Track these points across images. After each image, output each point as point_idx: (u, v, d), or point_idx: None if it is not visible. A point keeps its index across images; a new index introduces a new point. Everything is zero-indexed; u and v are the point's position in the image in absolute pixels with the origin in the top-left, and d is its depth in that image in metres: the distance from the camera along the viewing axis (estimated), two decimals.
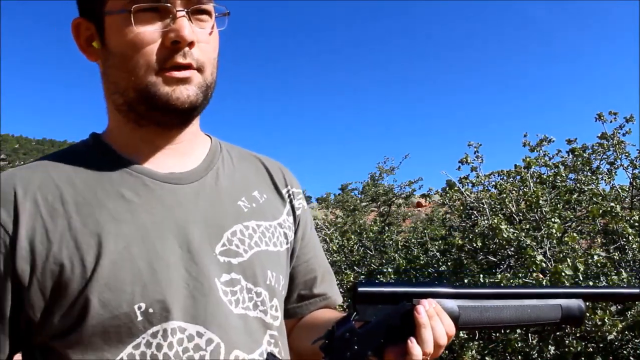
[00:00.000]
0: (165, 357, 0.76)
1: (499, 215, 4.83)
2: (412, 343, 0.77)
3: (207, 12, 0.85)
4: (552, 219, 4.05)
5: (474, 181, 5.56)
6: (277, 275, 0.91)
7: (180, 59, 0.80)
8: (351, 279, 5.90)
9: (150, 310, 0.77)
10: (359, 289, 0.79)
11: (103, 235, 0.78)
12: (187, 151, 0.92)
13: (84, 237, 0.77)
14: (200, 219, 0.86)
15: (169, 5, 0.79)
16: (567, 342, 3.48)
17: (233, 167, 0.97)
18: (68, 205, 0.79)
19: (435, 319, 0.78)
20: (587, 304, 0.89)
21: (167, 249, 0.81)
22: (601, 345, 3.60)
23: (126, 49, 0.80)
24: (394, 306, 0.80)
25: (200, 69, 0.83)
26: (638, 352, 3.69)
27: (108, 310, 0.75)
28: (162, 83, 0.81)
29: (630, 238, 3.95)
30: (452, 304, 0.83)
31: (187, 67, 0.82)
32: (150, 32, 0.80)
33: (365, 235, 7.16)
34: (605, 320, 3.24)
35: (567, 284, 3.36)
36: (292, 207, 1.02)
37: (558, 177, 5.04)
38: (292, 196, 1.02)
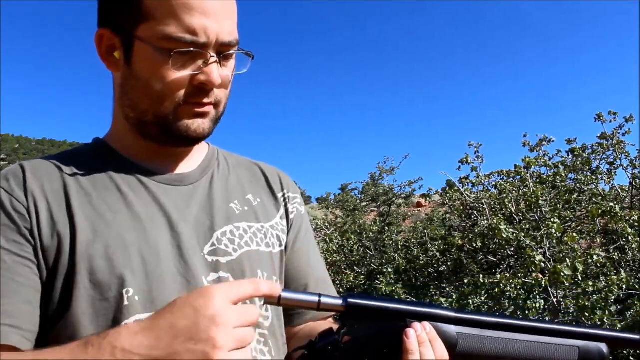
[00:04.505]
0: None
1: (499, 215, 4.84)
2: None
3: (232, 54, 0.87)
4: (552, 219, 4.05)
5: (474, 181, 5.56)
6: (269, 275, 0.92)
7: (205, 99, 0.85)
8: (351, 279, 5.91)
9: (136, 297, 0.79)
10: (349, 300, 0.71)
11: (99, 222, 0.81)
12: (185, 156, 0.95)
13: (81, 222, 0.80)
14: (191, 219, 0.88)
15: (206, 52, 0.82)
16: None
17: (228, 172, 1.00)
18: (70, 194, 0.83)
19: (426, 346, 0.71)
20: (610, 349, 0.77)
21: (159, 243, 0.83)
22: None
23: (155, 81, 0.83)
24: (385, 324, 0.72)
25: (217, 104, 0.88)
26: (638, 352, 3.69)
27: (99, 292, 0.77)
28: (183, 115, 0.85)
29: (630, 238, 3.96)
30: (451, 329, 0.74)
31: (208, 104, 0.86)
32: (182, 73, 0.83)
33: (365, 235, 7.16)
34: (605, 320, 3.24)
35: (567, 284, 3.36)
36: (287, 210, 1.03)
37: (558, 177, 5.05)
38: (287, 200, 1.04)
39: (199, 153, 0.98)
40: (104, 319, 0.78)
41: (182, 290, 0.82)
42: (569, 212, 4.95)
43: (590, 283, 3.40)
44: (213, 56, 0.82)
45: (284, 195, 1.04)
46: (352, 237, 6.92)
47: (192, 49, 0.81)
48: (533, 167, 5.20)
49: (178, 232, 0.85)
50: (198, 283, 0.83)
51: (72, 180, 0.85)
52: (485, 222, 4.85)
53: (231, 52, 0.85)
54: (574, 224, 5.03)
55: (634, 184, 5.17)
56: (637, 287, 3.79)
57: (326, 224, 8.56)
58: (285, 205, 1.03)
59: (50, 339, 0.79)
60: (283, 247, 0.99)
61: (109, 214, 0.82)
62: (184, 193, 0.90)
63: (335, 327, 0.76)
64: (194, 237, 0.86)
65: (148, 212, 0.85)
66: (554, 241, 4.13)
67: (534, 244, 4.07)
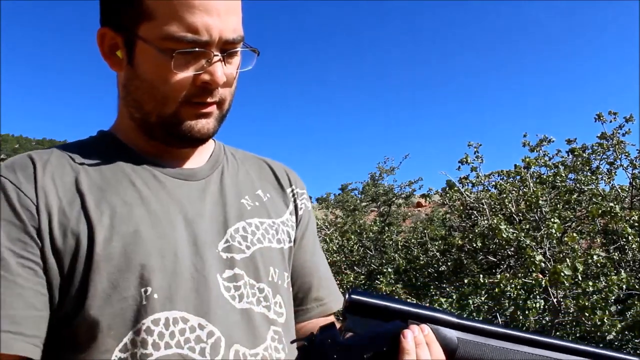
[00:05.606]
0: (166, 345, 0.76)
1: (499, 215, 4.84)
2: None
3: (237, 51, 0.86)
4: (552, 219, 4.05)
5: (474, 181, 5.57)
6: (281, 272, 0.92)
7: (209, 99, 0.84)
8: (351, 279, 5.91)
9: (155, 296, 0.77)
10: (352, 296, 0.73)
11: (114, 217, 0.79)
12: (193, 152, 0.94)
13: (97, 218, 0.78)
14: (205, 215, 0.87)
15: (209, 51, 0.81)
16: None
17: (237, 167, 0.99)
18: (82, 188, 0.80)
19: (423, 347, 0.72)
20: None
21: (176, 239, 0.81)
22: (601, 345, 3.61)
23: (158, 82, 0.82)
24: (385, 323, 0.73)
25: (221, 103, 0.87)
26: (638, 352, 3.69)
27: (117, 291, 0.76)
28: (186, 116, 0.84)
29: (630, 238, 3.96)
30: (452, 334, 0.74)
31: (212, 103, 0.85)
32: (185, 73, 0.81)
33: (365, 235, 7.16)
34: (605, 320, 3.24)
35: (567, 284, 3.36)
36: (296, 206, 1.03)
37: (558, 177, 5.05)
38: (295, 196, 1.03)
39: (207, 148, 0.97)
40: (121, 318, 0.76)
41: (199, 287, 0.81)
42: (569, 212, 4.95)
43: (590, 283, 3.40)
44: (217, 55, 0.81)
45: (292, 190, 1.03)
46: (352, 237, 6.92)
47: (195, 48, 0.79)
48: (533, 167, 5.20)
49: (194, 227, 0.84)
50: (214, 280, 0.82)
51: (83, 172, 0.83)
52: (485, 222, 4.85)
53: (236, 49, 0.84)
54: (574, 224, 5.04)
55: (634, 184, 5.17)
56: (637, 287, 3.79)
57: (326, 224, 8.55)
58: (295, 201, 1.03)
59: (67, 333, 0.77)
60: (292, 243, 0.99)
61: (125, 208, 0.80)
62: (196, 188, 0.89)
63: (339, 324, 0.77)
64: (208, 233, 0.85)
65: (163, 207, 0.83)
66: (554, 241, 4.13)
67: (534, 244, 4.07)
